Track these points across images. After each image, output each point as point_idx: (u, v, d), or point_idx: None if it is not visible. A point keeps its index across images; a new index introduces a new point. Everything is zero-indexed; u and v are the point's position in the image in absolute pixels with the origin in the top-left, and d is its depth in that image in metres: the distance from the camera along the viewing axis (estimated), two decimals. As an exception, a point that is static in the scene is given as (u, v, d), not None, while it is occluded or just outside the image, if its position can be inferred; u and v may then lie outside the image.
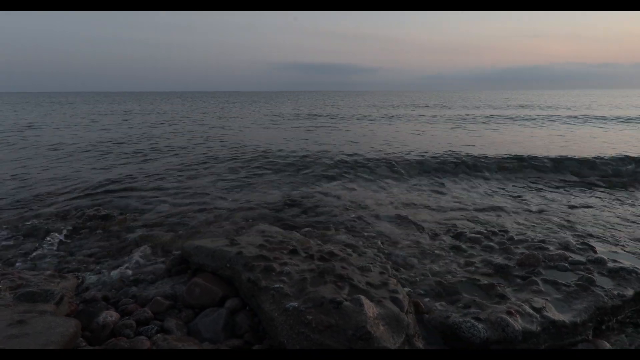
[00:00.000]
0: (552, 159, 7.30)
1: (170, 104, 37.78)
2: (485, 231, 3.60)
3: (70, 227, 3.86)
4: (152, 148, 9.62)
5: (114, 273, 2.90)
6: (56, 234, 3.75)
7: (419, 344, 1.94)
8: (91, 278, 2.83)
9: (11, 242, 3.58)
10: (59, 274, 2.61)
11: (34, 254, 3.36)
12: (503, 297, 2.30)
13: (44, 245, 3.56)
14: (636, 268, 2.62)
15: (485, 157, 7.61)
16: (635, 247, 3.22)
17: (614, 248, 3.17)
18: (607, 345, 2.05)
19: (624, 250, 3.11)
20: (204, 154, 8.76)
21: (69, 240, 3.67)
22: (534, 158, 7.42)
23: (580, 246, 3.12)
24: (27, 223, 4.10)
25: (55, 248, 3.50)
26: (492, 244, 3.28)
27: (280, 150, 8.92)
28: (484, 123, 15.91)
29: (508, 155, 7.74)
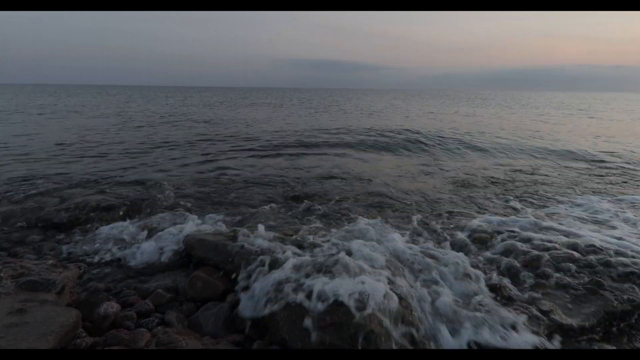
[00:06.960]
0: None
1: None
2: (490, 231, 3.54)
3: (73, 218, 3.85)
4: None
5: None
6: (59, 224, 3.75)
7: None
8: (93, 269, 2.82)
9: (12, 231, 3.58)
10: (61, 264, 2.60)
11: (36, 243, 3.36)
12: (510, 299, 2.25)
13: (46, 235, 3.56)
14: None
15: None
16: None
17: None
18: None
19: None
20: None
21: (72, 230, 3.66)
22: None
23: (588, 248, 3.06)
24: (29, 213, 4.10)
25: (58, 238, 3.50)
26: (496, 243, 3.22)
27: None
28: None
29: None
